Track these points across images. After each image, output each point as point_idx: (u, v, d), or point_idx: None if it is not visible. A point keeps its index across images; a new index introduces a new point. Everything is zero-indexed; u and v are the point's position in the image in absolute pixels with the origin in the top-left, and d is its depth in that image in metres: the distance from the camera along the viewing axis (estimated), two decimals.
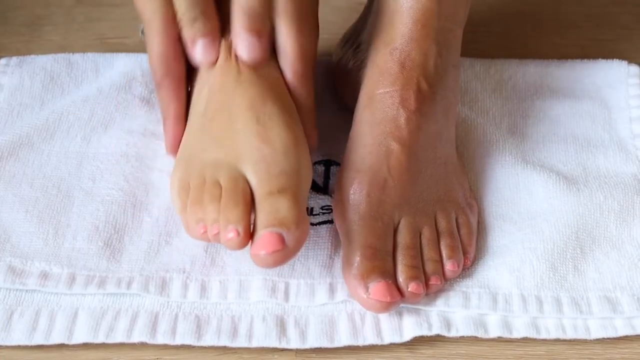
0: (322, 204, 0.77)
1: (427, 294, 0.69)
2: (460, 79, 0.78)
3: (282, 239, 0.64)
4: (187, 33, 0.71)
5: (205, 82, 0.73)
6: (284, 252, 0.64)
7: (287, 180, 0.67)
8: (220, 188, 0.67)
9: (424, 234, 0.71)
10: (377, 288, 0.67)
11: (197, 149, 0.71)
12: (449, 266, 0.70)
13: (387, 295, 0.66)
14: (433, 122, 0.73)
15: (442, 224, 0.72)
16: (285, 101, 0.72)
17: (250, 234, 0.65)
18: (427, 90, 0.73)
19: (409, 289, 0.68)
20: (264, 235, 0.64)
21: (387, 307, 0.67)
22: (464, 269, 0.71)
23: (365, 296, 0.67)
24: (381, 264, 0.68)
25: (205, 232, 0.66)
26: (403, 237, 0.70)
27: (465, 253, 0.72)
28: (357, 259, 0.68)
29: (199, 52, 0.72)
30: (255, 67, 0.72)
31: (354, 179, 0.71)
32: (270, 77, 0.72)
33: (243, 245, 0.65)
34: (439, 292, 0.70)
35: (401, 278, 0.68)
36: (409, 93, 0.72)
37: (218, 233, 0.65)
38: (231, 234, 0.64)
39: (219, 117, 0.70)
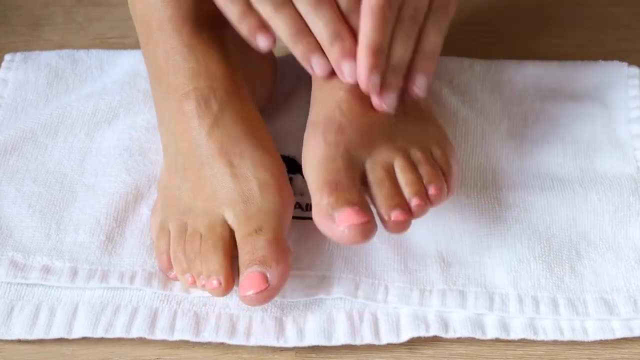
0: None
1: (413, 217, 0.66)
2: None
3: (264, 278, 0.65)
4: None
5: (169, 122, 0.72)
6: (268, 291, 0.65)
7: (265, 218, 0.67)
8: (200, 237, 0.68)
9: (396, 164, 0.68)
10: (343, 214, 0.64)
11: (175, 196, 0.71)
12: (431, 191, 0.67)
13: (354, 218, 0.63)
14: None
15: (416, 155, 0.69)
16: (257, 132, 0.71)
17: (232, 280, 0.67)
18: None
19: (392, 218, 0.65)
20: (247, 276, 0.66)
21: (361, 231, 0.64)
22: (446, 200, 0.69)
23: (334, 227, 0.64)
24: (345, 195, 0.65)
25: (194, 282, 0.68)
26: (375, 174, 0.67)
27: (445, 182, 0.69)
28: (318, 199, 0.65)
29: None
30: (223, 106, 0.70)
31: (310, 131, 0.69)
32: (239, 109, 0.71)
33: (227, 291, 0.67)
34: (436, 291, 0.70)
35: (382, 210, 0.66)
36: None
37: (204, 284, 0.67)
38: (214, 283, 0.66)
39: (190, 166, 0.70)
